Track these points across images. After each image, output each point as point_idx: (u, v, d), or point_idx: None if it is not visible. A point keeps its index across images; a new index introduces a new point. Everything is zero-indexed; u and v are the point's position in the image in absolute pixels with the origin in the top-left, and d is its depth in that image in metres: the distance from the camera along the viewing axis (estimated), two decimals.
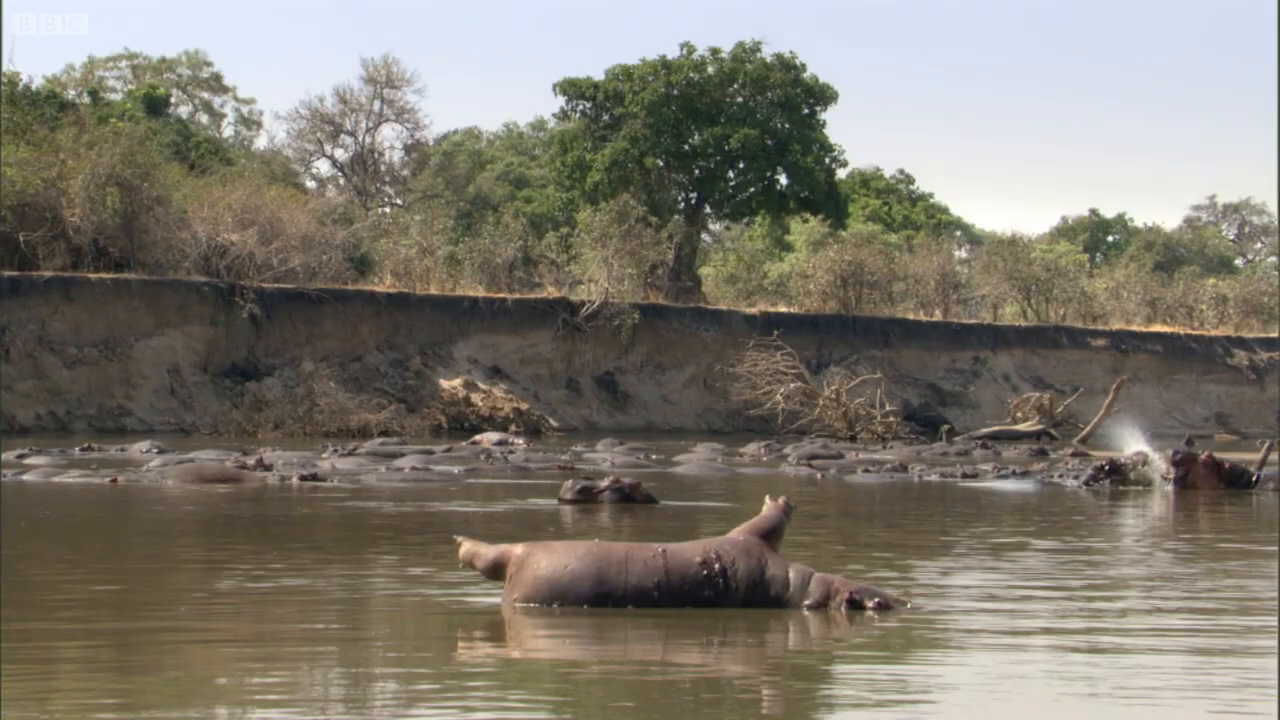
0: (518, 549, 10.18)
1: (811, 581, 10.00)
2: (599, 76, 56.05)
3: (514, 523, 16.32)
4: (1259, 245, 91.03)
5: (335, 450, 29.56)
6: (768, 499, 10.48)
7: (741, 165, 55.54)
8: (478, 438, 37.42)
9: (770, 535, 10.23)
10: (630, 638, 9.23)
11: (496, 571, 10.15)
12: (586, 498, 18.56)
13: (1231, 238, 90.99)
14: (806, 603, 9.89)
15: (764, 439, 37.37)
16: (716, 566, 9.92)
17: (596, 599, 9.84)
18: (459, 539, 10.41)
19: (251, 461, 23.32)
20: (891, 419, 43.93)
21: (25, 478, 21.87)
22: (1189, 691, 7.85)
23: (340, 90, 68.72)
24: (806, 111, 55.70)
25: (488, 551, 10.21)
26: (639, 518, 17.27)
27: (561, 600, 9.87)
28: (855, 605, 9.86)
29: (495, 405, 44.61)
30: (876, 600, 9.95)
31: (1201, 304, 62.53)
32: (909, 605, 10.13)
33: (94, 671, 8.13)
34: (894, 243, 62.42)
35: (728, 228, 70.34)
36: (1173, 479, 22.18)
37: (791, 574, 10.02)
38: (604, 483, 18.96)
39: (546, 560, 10.03)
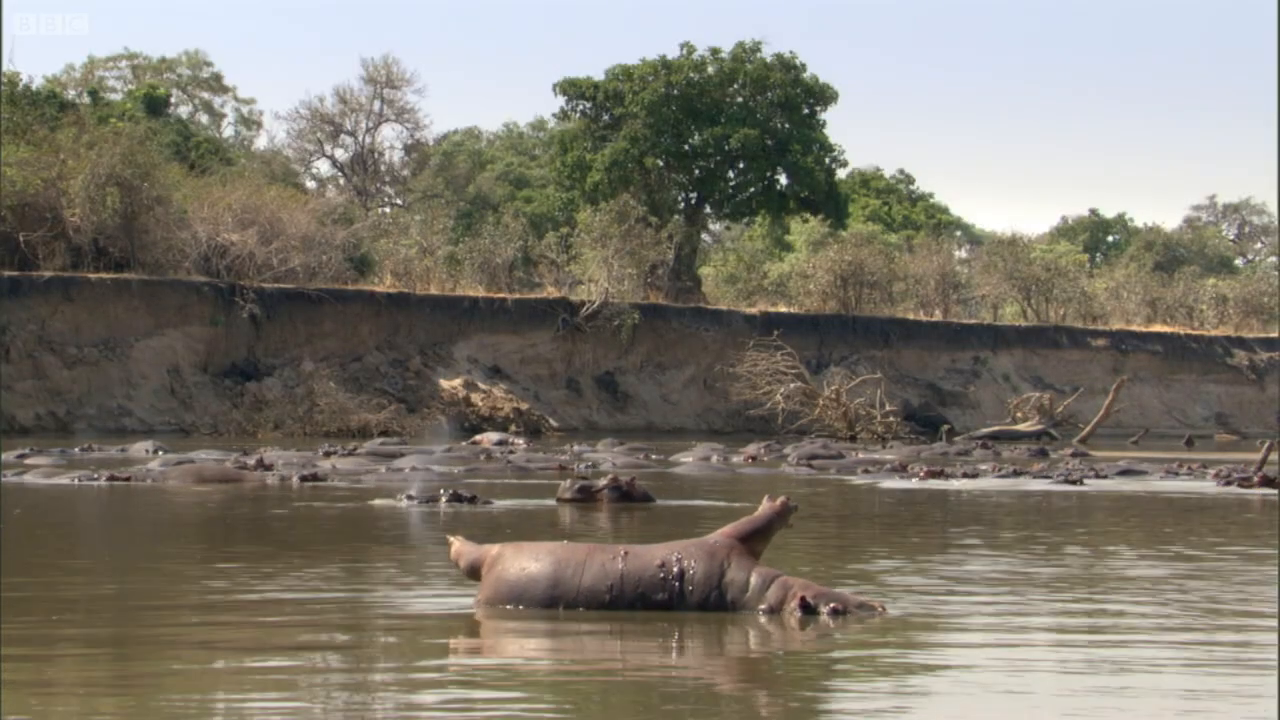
0: (493, 550, 10.15)
1: (771, 586, 9.67)
2: (599, 76, 56.09)
3: (510, 523, 16.31)
4: (1259, 245, 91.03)
5: (338, 450, 29.54)
6: (766, 499, 10.26)
7: (741, 165, 55.55)
8: (478, 438, 37.46)
9: (752, 537, 9.96)
10: (623, 642, 9.23)
11: (475, 571, 10.13)
12: (585, 497, 18.55)
13: (1231, 238, 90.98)
14: (762, 607, 9.59)
15: (764, 439, 37.38)
16: (675, 570, 9.70)
17: (550, 601, 9.73)
18: (451, 538, 10.41)
19: (251, 462, 23.32)
20: (891, 419, 43.95)
21: (25, 478, 21.86)
22: (1187, 695, 7.85)
23: (340, 90, 68.81)
24: (806, 111, 55.71)
25: (470, 552, 10.19)
26: (638, 518, 17.26)
27: (518, 602, 9.80)
28: (808, 610, 9.50)
29: (495, 405, 44.62)
30: (832, 605, 9.57)
31: (1201, 304, 62.54)
32: (880, 610, 9.76)
33: (93, 669, 8.13)
34: (894, 243, 62.43)
35: (728, 228, 70.35)
36: None
37: (753, 578, 9.70)
38: (601, 482, 18.94)
39: (511, 562, 9.96)
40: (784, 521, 10.18)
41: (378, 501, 18.49)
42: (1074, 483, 23.78)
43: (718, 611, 9.61)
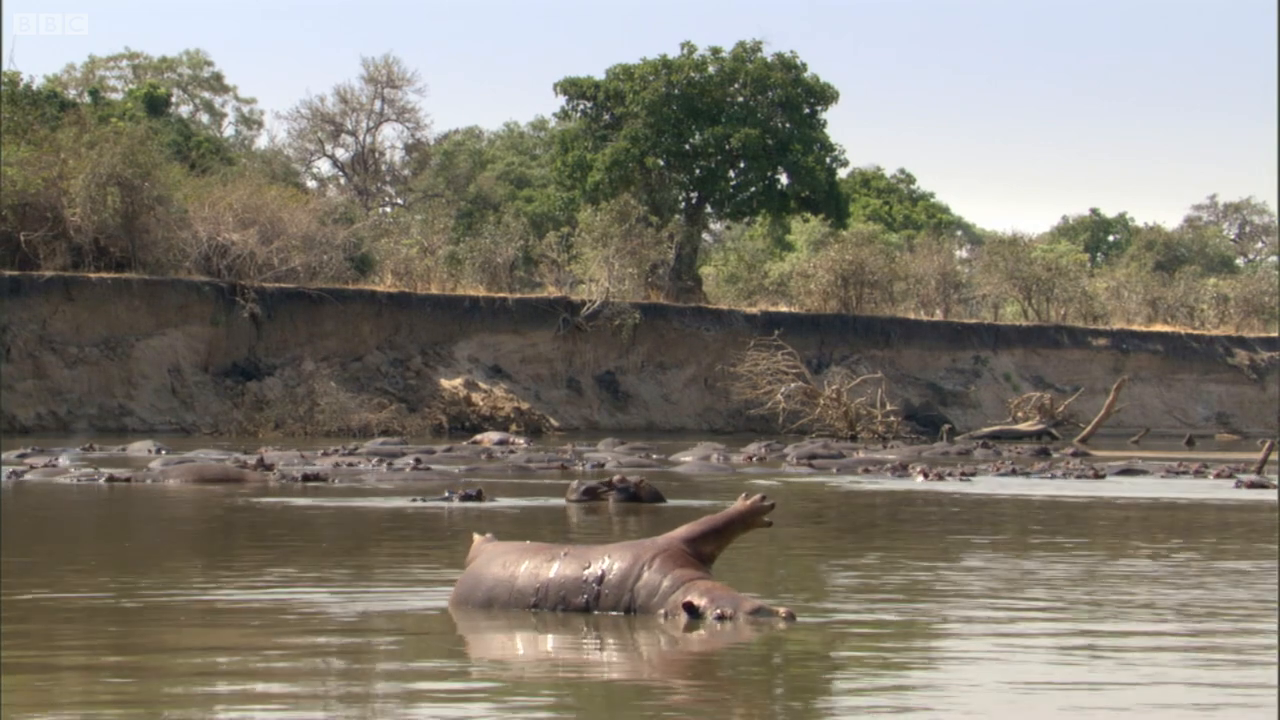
0: (477, 549, 10.12)
1: (678, 590, 9.40)
2: (600, 76, 56.08)
3: (517, 523, 16.30)
4: (1260, 245, 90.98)
5: (339, 449, 29.55)
6: (741, 497, 9.98)
7: (742, 165, 55.52)
8: (478, 437, 37.48)
9: (703, 538, 9.67)
10: (626, 644, 9.22)
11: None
12: (593, 498, 18.52)
13: (1232, 237, 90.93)
14: (662, 611, 9.37)
15: (765, 439, 37.38)
16: (597, 572, 9.56)
17: (486, 603, 9.69)
18: (476, 535, 10.33)
19: (252, 461, 23.32)
20: (892, 418, 43.96)
21: (25, 478, 21.86)
22: (1188, 698, 7.85)
23: (341, 90, 68.85)
24: (807, 111, 55.68)
25: (472, 550, 10.16)
26: (645, 519, 17.24)
27: (465, 603, 9.78)
28: (693, 613, 9.22)
29: (496, 405, 44.63)
30: (719, 611, 9.20)
31: (1202, 304, 62.52)
32: (782, 616, 9.32)
33: (94, 670, 8.13)
34: (895, 242, 62.41)
35: (728, 227, 70.32)
36: None
37: (666, 582, 9.44)
38: (611, 481, 18.91)
39: (473, 564, 9.95)
40: (748, 523, 9.83)
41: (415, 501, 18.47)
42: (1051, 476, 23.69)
43: (629, 614, 9.43)
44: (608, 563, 9.63)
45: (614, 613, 9.51)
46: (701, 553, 9.70)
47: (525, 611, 9.63)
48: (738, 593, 9.54)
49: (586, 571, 9.62)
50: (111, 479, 21.00)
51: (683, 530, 9.79)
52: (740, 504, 9.85)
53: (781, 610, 9.40)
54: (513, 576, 9.70)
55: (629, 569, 9.55)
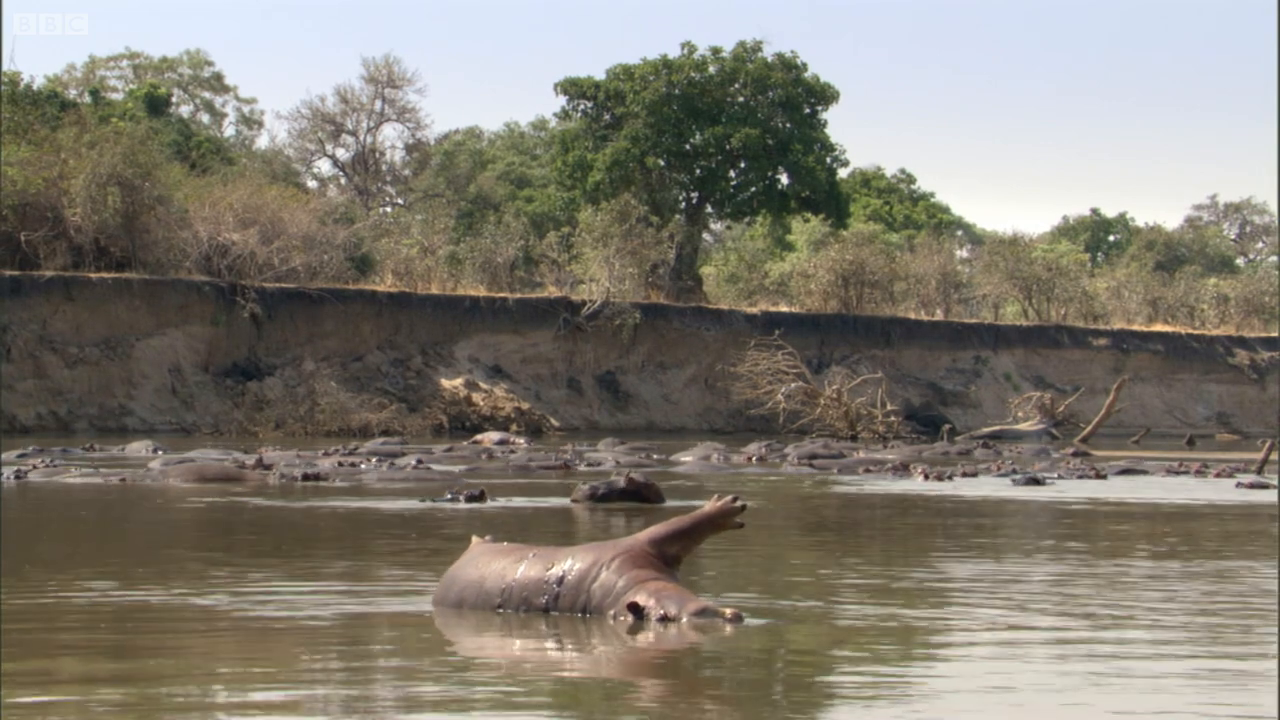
0: (470, 550, 10.14)
1: (629, 591, 9.28)
2: (600, 76, 56.10)
3: (521, 524, 16.31)
4: (1260, 245, 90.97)
5: (339, 449, 29.55)
6: (715, 498, 9.81)
7: (743, 165, 55.54)
8: (479, 437, 37.50)
9: (670, 540, 9.54)
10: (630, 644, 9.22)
11: None
12: (598, 498, 18.51)
13: (1233, 237, 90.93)
14: (612, 612, 9.30)
15: (765, 439, 37.38)
16: (558, 573, 9.52)
17: (457, 604, 9.70)
18: (475, 538, 10.34)
19: (250, 461, 23.30)
20: (893, 418, 43.97)
21: (29, 477, 21.85)
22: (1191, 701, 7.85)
23: (341, 90, 68.88)
24: (808, 111, 55.70)
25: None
26: (650, 519, 17.24)
27: (441, 604, 9.80)
28: (637, 613, 9.13)
29: (496, 405, 44.65)
30: (662, 612, 9.07)
31: (1203, 303, 62.53)
32: (728, 617, 9.15)
33: (94, 671, 8.13)
34: (895, 242, 62.41)
35: (729, 227, 70.34)
36: None
37: (620, 583, 9.34)
38: (620, 482, 18.89)
39: (454, 565, 9.96)
40: (718, 525, 9.67)
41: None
42: (1037, 483, 23.61)
43: (584, 615, 9.40)
44: (569, 564, 9.59)
45: (572, 614, 9.44)
46: (666, 554, 9.56)
47: (494, 613, 9.60)
48: (688, 593, 9.41)
49: (549, 573, 9.59)
50: (106, 479, 20.98)
51: (649, 531, 9.69)
52: (711, 505, 9.70)
53: (727, 611, 9.24)
54: (481, 578, 9.71)
55: (587, 570, 9.50)
